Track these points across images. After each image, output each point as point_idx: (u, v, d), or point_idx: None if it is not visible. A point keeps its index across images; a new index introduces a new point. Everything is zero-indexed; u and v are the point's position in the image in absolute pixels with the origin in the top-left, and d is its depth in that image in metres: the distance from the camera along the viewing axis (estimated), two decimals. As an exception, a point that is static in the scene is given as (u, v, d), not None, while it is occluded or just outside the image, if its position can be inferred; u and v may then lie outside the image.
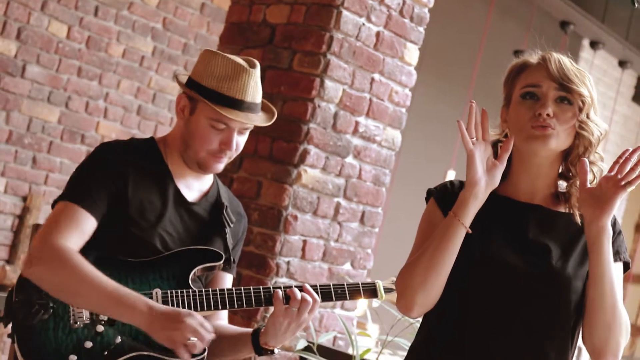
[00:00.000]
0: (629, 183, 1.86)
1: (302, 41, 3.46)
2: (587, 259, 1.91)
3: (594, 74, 8.15)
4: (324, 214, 3.51)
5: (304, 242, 3.46)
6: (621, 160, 1.87)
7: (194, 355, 2.17)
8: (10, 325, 2.21)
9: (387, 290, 2.43)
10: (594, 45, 7.67)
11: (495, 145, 2.00)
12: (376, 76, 3.60)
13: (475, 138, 1.94)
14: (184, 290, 2.25)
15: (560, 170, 2.02)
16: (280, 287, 2.28)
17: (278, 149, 3.44)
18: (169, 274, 2.27)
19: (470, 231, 1.92)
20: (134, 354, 2.19)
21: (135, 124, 5.62)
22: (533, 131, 1.92)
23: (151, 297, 2.19)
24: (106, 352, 2.18)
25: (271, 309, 2.29)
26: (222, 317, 2.45)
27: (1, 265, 4.96)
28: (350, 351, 3.45)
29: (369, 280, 2.46)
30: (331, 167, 3.50)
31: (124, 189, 2.25)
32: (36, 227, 2.44)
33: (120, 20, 5.42)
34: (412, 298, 1.92)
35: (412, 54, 3.73)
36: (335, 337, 3.62)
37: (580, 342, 1.96)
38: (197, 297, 2.25)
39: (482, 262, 1.93)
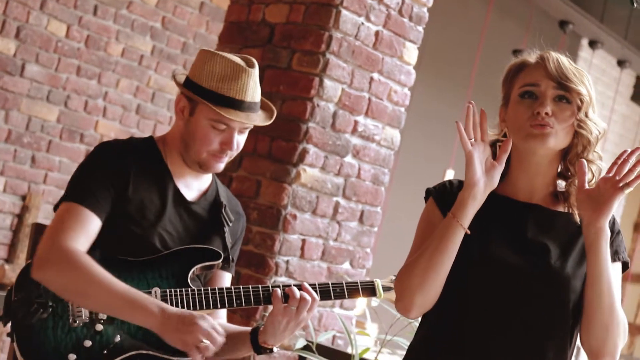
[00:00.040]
0: (627, 185, 1.86)
1: (301, 40, 3.46)
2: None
3: (592, 73, 8.15)
4: (323, 213, 3.51)
5: (303, 241, 3.46)
6: (619, 162, 1.87)
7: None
8: (9, 324, 2.21)
9: (386, 288, 2.43)
10: (592, 44, 7.67)
11: (493, 145, 2.00)
12: (375, 75, 3.60)
13: (473, 139, 1.94)
14: (183, 289, 2.25)
15: (559, 170, 2.02)
16: (279, 286, 2.29)
17: (277, 148, 3.45)
18: (167, 272, 2.28)
19: (469, 232, 1.92)
20: (133, 352, 2.20)
21: (135, 123, 5.62)
22: (532, 130, 1.93)
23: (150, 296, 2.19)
24: (105, 351, 2.18)
25: (270, 307, 2.30)
26: (221, 316, 2.45)
27: (0, 264, 4.96)
28: (349, 350, 3.45)
29: (367, 279, 2.46)
30: (330, 166, 3.50)
31: (125, 188, 2.25)
32: (35, 226, 2.44)
33: (119, 20, 5.42)
34: (410, 299, 1.92)
35: (411, 53, 3.73)
36: (334, 336, 3.62)
37: (579, 342, 1.96)
38: (196, 296, 2.25)
39: (481, 262, 1.93)
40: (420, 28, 3.74)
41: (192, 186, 2.39)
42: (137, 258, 2.26)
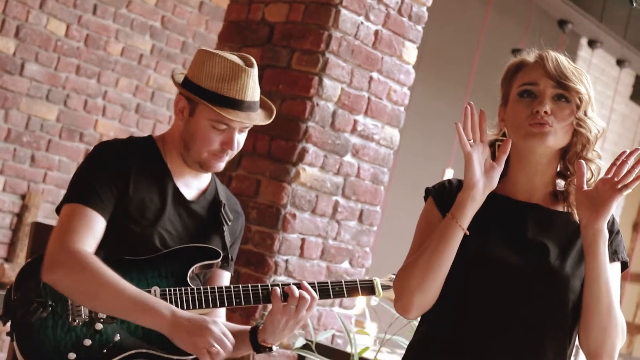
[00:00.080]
0: (626, 186, 1.86)
1: (301, 40, 3.47)
2: (585, 258, 1.92)
3: (592, 72, 8.15)
4: (323, 213, 3.51)
5: (303, 240, 3.46)
6: (618, 163, 1.87)
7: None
8: (9, 323, 2.22)
9: (385, 287, 2.44)
10: (592, 44, 7.67)
11: (492, 145, 2.01)
12: (375, 75, 3.61)
13: (472, 140, 1.94)
14: (183, 288, 2.25)
15: (558, 169, 2.02)
16: (278, 285, 2.29)
17: (277, 148, 3.45)
18: (167, 271, 2.28)
19: (468, 233, 1.92)
20: (132, 351, 2.20)
21: (134, 122, 5.62)
22: (531, 129, 1.93)
23: (149, 295, 2.20)
24: (105, 350, 2.18)
25: (269, 306, 2.30)
26: (220, 315, 2.45)
27: (0, 263, 4.96)
28: (348, 349, 3.45)
29: (367, 278, 2.46)
30: (330, 165, 3.50)
31: (126, 188, 2.26)
32: (35, 225, 2.44)
33: (118, 19, 5.42)
34: (409, 300, 1.93)
35: (411, 52, 3.73)
36: (333, 336, 3.62)
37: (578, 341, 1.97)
38: (196, 294, 2.26)
39: (480, 262, 1.93)
40: (419, 27, 3.74)
41: (192, 185, 2.39)
42: (136, 257, 2.26)
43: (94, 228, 2.19)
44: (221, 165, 2.35)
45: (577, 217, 1.95)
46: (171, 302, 2.22)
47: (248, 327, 2.36)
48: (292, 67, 3.47)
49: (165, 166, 2.35)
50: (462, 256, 1.92)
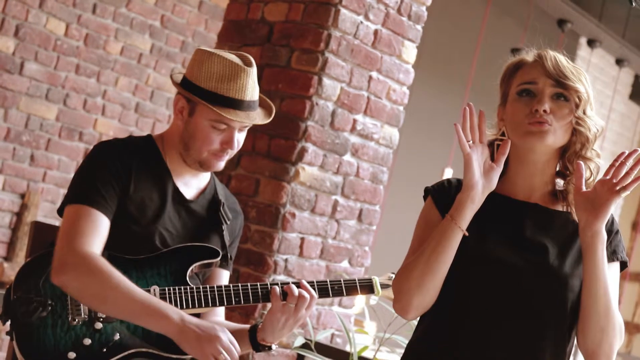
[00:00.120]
0: (624, 188, 1.85)
1: (300, 39, 3.47)
2: (584, 258, 1.92)
3: (591, 72, 8.15)
4: (322, 212, 3.51)
5: (302, 239, 3.46)
6: (617, 164, 1.87)
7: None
8: (9, 323, 2.22)
9: (384, 286, 2.44)
10: (591, 43, 7.67)
11: (491, 145, 2.01)
12: (374, 74, 3.61)
13: (472, 141, 1.94)
14: (182, 287, 2.26)
15: (557, 169, 2.02)
16: (277, 284, 2.29)
17: (276, 147, 3.45)
18: (166, 271, 2.28)
19: (467, 234, 1.92)
20: (132, 350, 2.20)
21: (133, 122, 5.62)
22: (530, 127, 1.93)
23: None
24: (105, 349, 2.18)
25: (269, 305, 2.30)
26: (219, 314, 2.46)
27: (0, 262, 4.97)
28: (347, 348, 3.45)
29: (366, 276, 2.47)
30: (329, 164, 3.51)
31: (127, 187, 2.26)
32: (34, 224, 2.44)
33: (118, 18, 5.42)
34: (408, 301, 1.93)
35: (410, 52, 3.73)
36: (332, 335, 3.62)
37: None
38: (195, 294, 2.26)
39: (479, 261, 1.93)
40: (419, 27, 3.74)
41: (191, 184, 2.40)
42: (136, 256, 2.26)
43: (100, 229, 2.19)
44: (221, 165, 2.35)
45: (576, 217, 1.95)
46: (171, 302, 2.22)
47: (247, 326, 2.36)
48: (291, 66, 3.48)
49: (165, 166, 2.35)
50: (462, 256, 1.92)
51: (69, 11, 5.17)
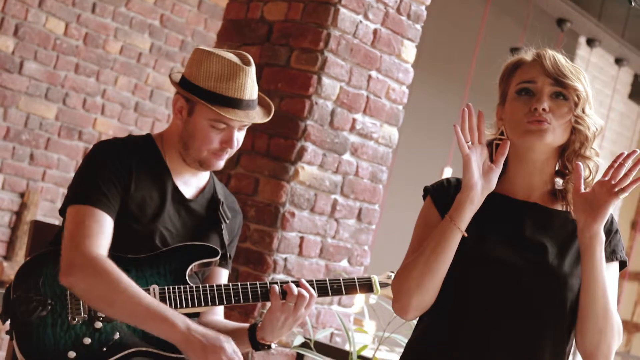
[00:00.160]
0: (622, 190, 1.85)
1: (300, 38, 3.47)
2: (583, 258, 1.92)
3: (590, 71, 8.15)
4: (321, 211, 3.52)
5: (301, 238, 3.47)
6: (615, 165, 1.87)
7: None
8: (8, 322, 2.22)
9: (383, 285, 2.44)
10: (590, 42, 7.67)
11: (490, 145, 2.01)
12: (373, 73, 3.61)
13: (471, 142, 1.94)
14: (181, 286, 2.26)
15: (557, 168, 2.02)
16: (276, 283, 2.29)
17: (275, 146, 3.45)
18: (166, 270, 2.28)
19: (466, 235, 1.92)
20: (132, 349, 2.20)
21: (133, 121, 5.62)
22: (529, 126, 1.93)
23: (148, 293, 2.20)
24: (105, 348, 2.18)
25: (268, 304, 2.30)
26: (218, 313, 2.46)
27: (-1, 262, 4.97)
28: (347, 347, 3.46)
29: (365, 275, 2.47)
30: (328, 164, 3.51)
31: (128, 186, 2.26)
32: (34, 223, 2.44)
33: (117, 17, 5.42)
34: (407, 301, 1.93)
35: (409, 51, 3.73)
36: (332, 334, 3.63)
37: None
38: (195, 293, 2.26)
39: (479, 261, 1.93)
40: (418, 26, 3.75)
41: (190, 184, 2.40)
42: (135, 255, 2.27)
43: (105, 229, 2.20)
44: (221, 164, 2.35)
45: (575, 216, 1.95)
46: (170, 301, 2.23)
47: (247, 325, 2.36)
48: (291, 65, 3.48)
49: (165, 165, 2.35)
50: (461, 256, 1.93)
51: (68, 10, 5.17)
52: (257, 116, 2.35)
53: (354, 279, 2.42)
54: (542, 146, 1.95)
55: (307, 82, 3.42)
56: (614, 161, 1.87)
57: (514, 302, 1.91)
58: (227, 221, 2.44)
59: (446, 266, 1.92)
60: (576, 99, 1.94)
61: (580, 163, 1.91)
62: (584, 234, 1.88)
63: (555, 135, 1.93)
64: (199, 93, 2.28)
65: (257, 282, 2.31)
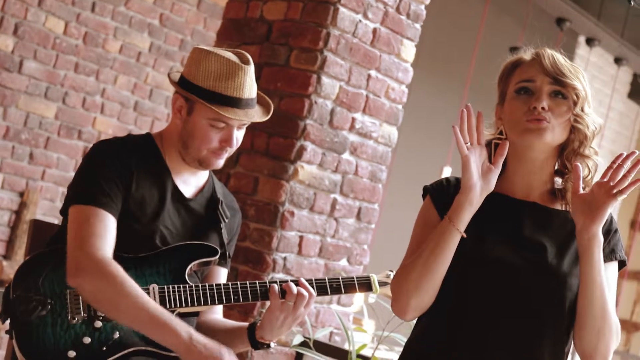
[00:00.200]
0: (621, 192, 1.85)
1: (299, 38, 3.47)
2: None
3: (589, 70, 8.15)
4: (321, 210, 3.52)
5: (301, 238, 3.47)
6: (614, 166, 1.87)
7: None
8: (8, 321, 2.22)
9: (382, 284, 2.44)
10: (589, 42, 7.67)
11: (489, 145, 2.01)
12: (373, 73, 3.61)
13: (470, 143, 1.95)
14: (181, 286, 2.26)
15: (556, 167, 2.03)
16: (276, 282, 2.30)
17: (275, 145, 3.45)
18: (165, 269, 2.28)
19: (465, 236, 1.92)
20: (132, 349, 2.20)
21: (132, 120, 5.62)
22: (528, 125, 1.93)
23: (148, 293, 2.20)
24: (105, 348, 2.18)
25: (267, 303, 2.30)
26: (217, 312, 2.46)
27: (-2, 261, 4.97)
28: (346, 347, 3.46)
29: (364, 274, 2.47)
30: (328, 163, 3.51)
31: (129, 186, 2.26)
32: (33, 222, 2.44)
33: (117, 16, 5.42)
34: (406, 302, 1.93)
35: (409, 50, 3.73)
36: (331, 333, 3.63)
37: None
38: (194, 292, 2.26)
39: (477, 263, 1.93)
40: (417, 25, 3.75)
41: (190, 183, 2.40)
42: (135, 254, 2.26)
43: (110, 230, 2.20)
44: (220, 163, 2.35)
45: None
46: (170, 300, 2.23)
47: (246, 324, 2.36)
48: (290, 65, 3.48)
49: (164, 164, 2.35)
50: (460, 257, 1.92)
51: (67, 9, 5.17)
52: (257, 115, 2.35)
53: (353, 278, 2.42)
54: (542, 145, 1.95)
55: (306, 82, 3.42)
56: (613, 162, 1.87)
57: (513, 302, 1.91)
58: (226, 220, 2.44)
59: (445, 267, 1.92)
60: (575, 97, 1.94)
61: (579, 164, 1.91)
62: (583, 235, 1.88)
63: (554, 134, 1.93)
64: (198, 92, 2.28)
65: (257, 281, 2.31)
